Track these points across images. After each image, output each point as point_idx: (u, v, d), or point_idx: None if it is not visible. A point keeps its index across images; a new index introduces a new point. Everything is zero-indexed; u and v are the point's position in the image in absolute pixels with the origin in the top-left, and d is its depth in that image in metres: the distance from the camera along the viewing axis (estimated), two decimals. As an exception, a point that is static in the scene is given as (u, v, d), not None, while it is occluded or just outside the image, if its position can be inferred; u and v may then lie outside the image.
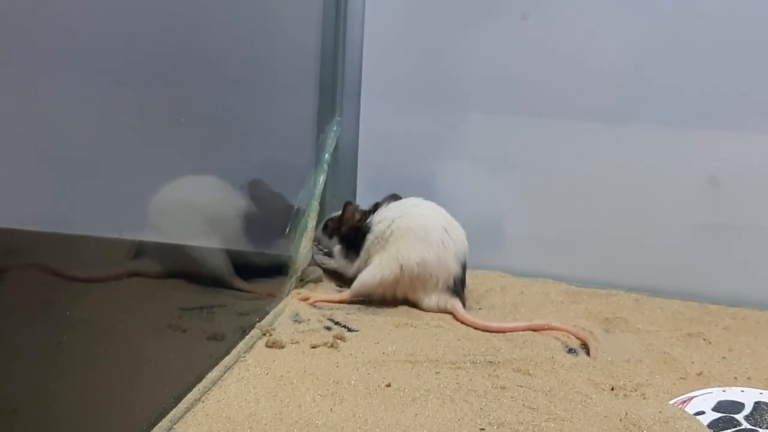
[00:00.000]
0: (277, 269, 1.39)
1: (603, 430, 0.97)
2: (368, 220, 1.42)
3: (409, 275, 1.34)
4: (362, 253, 1.41)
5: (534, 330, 1.28)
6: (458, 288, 1.36)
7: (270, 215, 1.37)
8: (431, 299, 1.36)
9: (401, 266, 1.34)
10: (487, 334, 1.27)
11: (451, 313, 1.35)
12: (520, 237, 1.59)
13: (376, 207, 1.45)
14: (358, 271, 1.41)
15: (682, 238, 1.52)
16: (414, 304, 1.38)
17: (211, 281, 1.14)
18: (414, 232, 1.35)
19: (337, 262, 1.49)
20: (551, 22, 1.52)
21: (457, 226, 1.39)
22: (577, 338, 1.25)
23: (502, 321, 1.32)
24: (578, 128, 1.52)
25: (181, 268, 1.07)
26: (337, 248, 1.48)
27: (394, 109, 1.61)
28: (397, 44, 1.60)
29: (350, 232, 1.45)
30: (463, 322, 1.32)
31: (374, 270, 1.36)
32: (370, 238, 1.40)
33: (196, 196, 1.14)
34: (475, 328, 1.30)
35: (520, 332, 1.27)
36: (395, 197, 1.47)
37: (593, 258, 1.56)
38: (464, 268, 1.38)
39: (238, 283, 1.22)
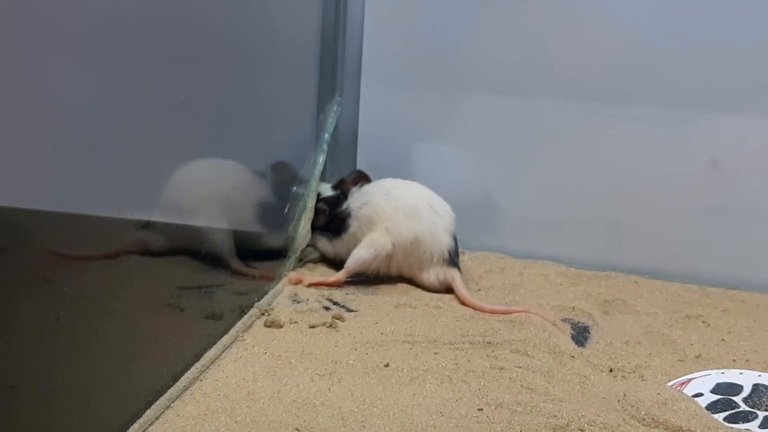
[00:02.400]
0: (277, 250, 1.38)
1: (601, 412, 0.97)
2: (345, 206, 1.41)
3: (403, 252, 1.35)
4: (345, 237, 1.40)
5: (507, 313, 1.27)
6: (454, 259, 1.36)
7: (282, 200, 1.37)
8: (429, 275, 1.36)
9: (393, 244, 1.34)
10: (486, 314, 1.27)
11: (450, 284, 1.35)
12: (519, 218, 1.58)
13: (341, 185, 1.45)
14: (340, 252, 1.41)
15: (682, 220, 1.51)
16: (412, 282, 1.38)
17: (213, 261, 1.14)
18: (402, 212, 1.35)
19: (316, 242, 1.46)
20: (553, 3, 1.51)
21: (441, 200, 1.39)
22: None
23: (495, 303, 1.31)
24: (579, 110, 1.51)
25: (186, 246, 1.07)
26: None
27: (395, 89, 1.60)
28: (398, 24, 1.58)
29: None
30: (458, 297, 1.32)
31: (367, 245, 1.35)
32: (354, 223, 1.39)
33: (215, 178, 1.15)
34: (470, 306, 1.30)
35: (519, 314, 1.26)
36: (361, 174, 1.48)
37: (593, 240, 1.56)
38: (456, 239, 1.38)
39: (237, 264, 1.22)
